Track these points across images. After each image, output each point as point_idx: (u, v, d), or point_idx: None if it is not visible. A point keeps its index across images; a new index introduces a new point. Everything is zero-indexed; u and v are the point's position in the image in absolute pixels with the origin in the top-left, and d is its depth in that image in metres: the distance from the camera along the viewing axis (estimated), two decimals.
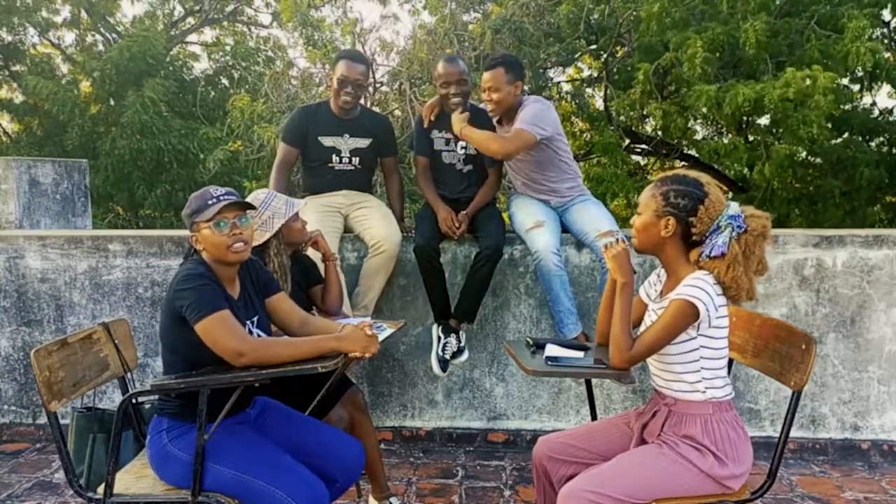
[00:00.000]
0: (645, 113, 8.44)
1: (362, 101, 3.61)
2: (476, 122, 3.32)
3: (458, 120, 3.18)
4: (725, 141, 9.35)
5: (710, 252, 1.86)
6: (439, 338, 3.28)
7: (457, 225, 3.26)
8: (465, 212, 3.31)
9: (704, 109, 7.44)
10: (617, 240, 2.01)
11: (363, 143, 3.43)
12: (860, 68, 7.16)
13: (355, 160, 3.42)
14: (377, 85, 7.57)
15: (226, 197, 2.00)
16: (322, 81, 8.02)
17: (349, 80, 3.29)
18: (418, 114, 3.58)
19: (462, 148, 3.37)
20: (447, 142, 3.39)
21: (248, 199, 2.46)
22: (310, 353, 1.93)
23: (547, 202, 3.40)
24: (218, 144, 9.11)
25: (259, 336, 2.06)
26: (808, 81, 6.53)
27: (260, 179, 8.07)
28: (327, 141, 3.38)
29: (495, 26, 8.18)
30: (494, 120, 3.34)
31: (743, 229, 1.87)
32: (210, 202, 1.98)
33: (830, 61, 7.10)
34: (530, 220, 3.27)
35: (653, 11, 7.47)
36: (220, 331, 1.87)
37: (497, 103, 3.20)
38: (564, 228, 3.44)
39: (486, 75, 3.19)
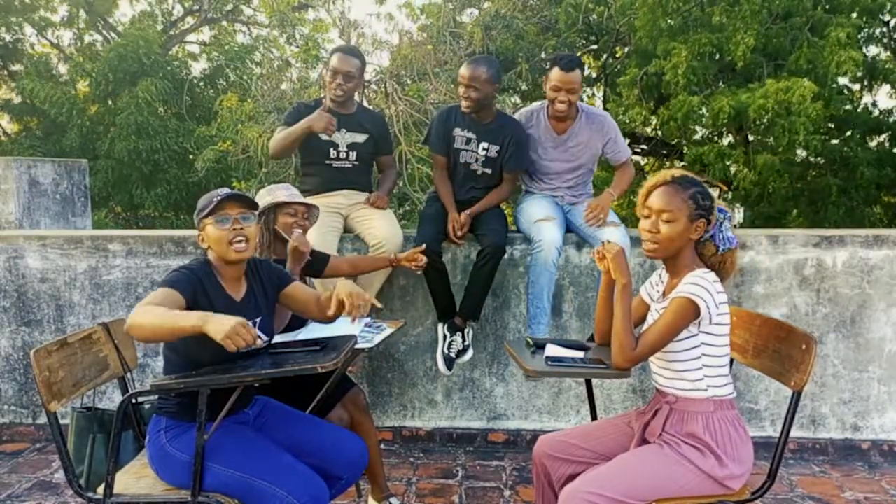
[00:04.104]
0: (629, 118, 8.48)
1: (357, 99, 3.62)
2: (502, 127, 3.33)
3: (606, 200, 3.30)
4: (724, 142, 9.37)
5: (729, 245, 1.95)
6: (445, 336, 3.28)
7: (459, 227, 3.26)
8: (468, 211, 3.30)
9: (689, 116, 7.51)
10: (605, 242, 2.01)
11: (360, 138, 3.44)
12: (845, 75, 7.31)
13: (352, 155, 3.43)
14: (366, 83, 7.60)
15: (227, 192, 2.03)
16: (314, 82, 8.03)
17: (340, 71, 3.33)
18: (440, 109, 3.57)
19: (483, 150, 3.34)
20: (468, 141, 3.35)
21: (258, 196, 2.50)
22: (176, 325, 1.73)
23: (558, 198, 3.44)
24: (212, 144, 9.12)
25: (260, 337, 2.05)
26: (788, 93, 6.61)
27: (250, 178, 8.08)
28: (324, 135, 3.39)
29: (486, 23, 8.19)
30: (555, 120, 3.33)
31: (730, 218, 1.98)
32: (214, 199, 2.00)
33: (818, 68, 7.19)
34: (541, 213, 3.28)
35: (644, 22, 7.54)
36: (145, 299, 1.81)
37: (572, 105, 3.22)
38: (567, 228, 3.46)
39: (569, 76, 3.14)
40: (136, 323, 1.75)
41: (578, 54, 9.96)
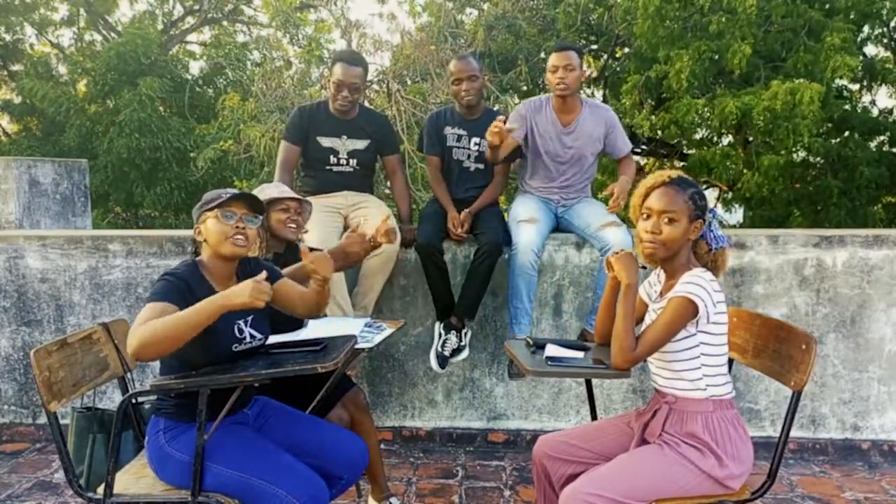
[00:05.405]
0: (634, 124, 8.51)
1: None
2: (490, 121, 3.36)
3: (625, 184, 3.25)
4: (725, 142, 9.38)
5: (721, 244, 1.97)
6: (440, 334, 3.28)
7: (461, 225, 3.28)
8: (467, 210, 3.33)
9: (694, 118, 7.55)
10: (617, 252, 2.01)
11: (360, 144, 3.44)
12: (841, 79, 7.40)
13: (353, 162, 3.44)
14: (368, 83, 7.61)
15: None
16: (316, 81, 8.03)
17: (345, 83, 3.30)
18: (430, 113, 3.62)
19: (475, 145, 3.39)
20: (459, 138, 3.43)
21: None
22: (195, 320, 1.77)
23: (551, 200, 3.42)
24: (212, 143, 9.13)
25: (252, 336, 2.05)
26: (795, 95, 6.66)
27: (251, 178, 8.09)
28: (325, 141, 3.40)
29: (489, 23, 8.21)
30: (555, 103, 3.32)
31: (718, 217, 2.00)
32: (223, 195, 2.01)
33: (815, 72, 7.25)
34: (526, 213, 3.28)
35: (643, 30, 7.58)
36: (138, 319, 1.81)
37: (571, 86, 3.24)
38: (563, 228, 3.45)
39: (564, 54, 3.22)
40: (145, 342, 1.74)
41: None
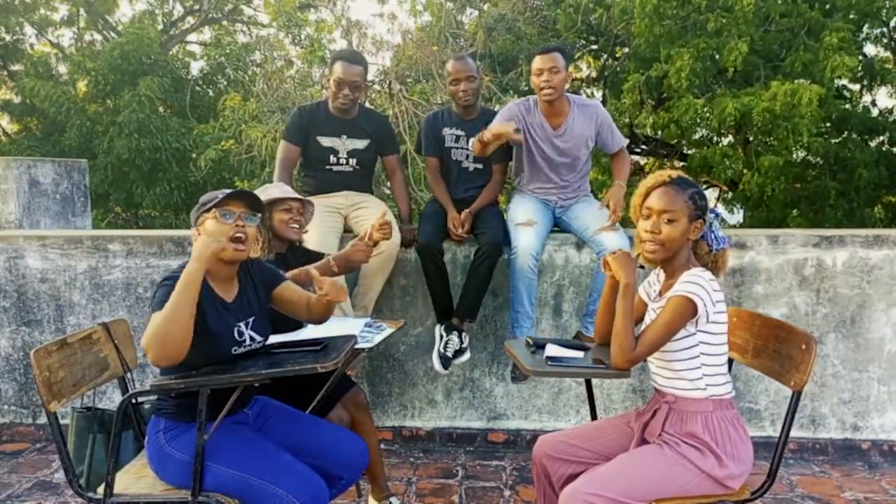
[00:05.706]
0: (634, 123, 8.50)
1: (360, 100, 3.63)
2: (486, 122, 3.35)
3: (619, 193, 3.21)
4: (724, 142, 9.38)
5: (721, 245, 1.97)
6: (441, 336, 3.28)
7: (461, 225, 3.28)
8: (467, 210, 3.33)
9: (694, 118, 7.57)
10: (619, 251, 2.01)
11: (360, 144, 3.44)
12: (840, 79, 7.43)
13: (353, 161, 3.44)
14: (369, 83, 7.61)
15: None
16: (317, 81, 8.04)
17: (346, 81, 3.30)
18: (428, 114, 3.63)
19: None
20: (457, 139, 3.44)
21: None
22: (183, 297, 1.80)
23: (549, 202, 3.40)
24: (212, 143, 9.13)
25: (252, 338, 2.05)
26: (794, 96, 6.68)
27: (252, 178, 8.09)
28: (325, 141, 3.40)
29: (489, 25, 8.21)
30: (543, 107, 3.27)
31: (721, 218, 2.01)
32: (220, 194, 2.00)
33: (814, 72, 7.26)
34: (524, 216, 3.26)
35: (641, 29, 7.59)
36: (148, 327, 1.81)
37: (557, 88, 3.16)
38: (562, 228, 3.45)
39: (548, 56, 3.15)
40: (156, 344, 1.75)
41: (578, 55, 9.99)
